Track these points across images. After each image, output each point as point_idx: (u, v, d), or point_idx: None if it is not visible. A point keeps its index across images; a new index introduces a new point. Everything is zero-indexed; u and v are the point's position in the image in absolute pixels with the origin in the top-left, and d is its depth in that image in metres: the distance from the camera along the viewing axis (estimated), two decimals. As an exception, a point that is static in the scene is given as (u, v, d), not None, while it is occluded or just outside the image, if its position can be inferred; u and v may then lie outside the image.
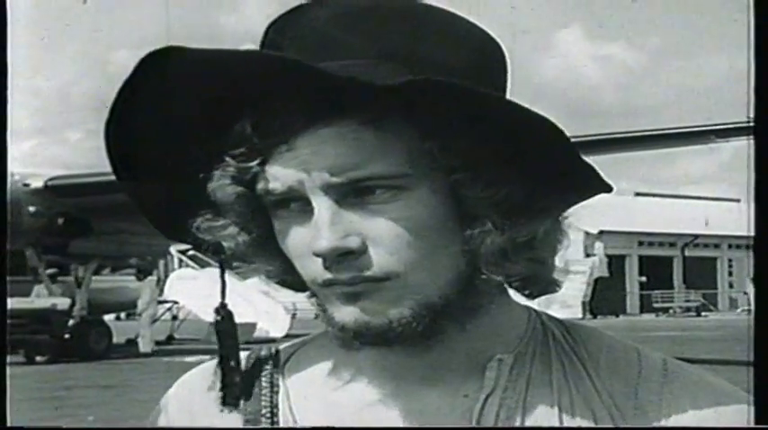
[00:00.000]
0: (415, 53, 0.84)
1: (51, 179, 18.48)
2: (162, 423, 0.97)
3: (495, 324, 0.90)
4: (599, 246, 37.50)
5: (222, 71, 0.81)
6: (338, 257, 0.82)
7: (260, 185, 0.85)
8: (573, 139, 0.83)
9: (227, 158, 0.85)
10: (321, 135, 0.81)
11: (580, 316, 33.16)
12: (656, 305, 40.18)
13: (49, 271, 20.01)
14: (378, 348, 0.87)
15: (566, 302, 33.87)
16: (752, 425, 0.89)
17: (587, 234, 37.20)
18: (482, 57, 0.88)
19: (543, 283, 0.90)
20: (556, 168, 0.83)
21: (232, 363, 0.94)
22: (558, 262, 0.90)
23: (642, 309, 40.55)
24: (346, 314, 0.84)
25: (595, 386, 0.90)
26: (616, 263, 39.58)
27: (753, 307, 0.99)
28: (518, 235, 0.84)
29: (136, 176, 0.89)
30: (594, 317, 34.54)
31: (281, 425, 0.92)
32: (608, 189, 0.86)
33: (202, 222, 0.89)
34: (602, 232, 38.09)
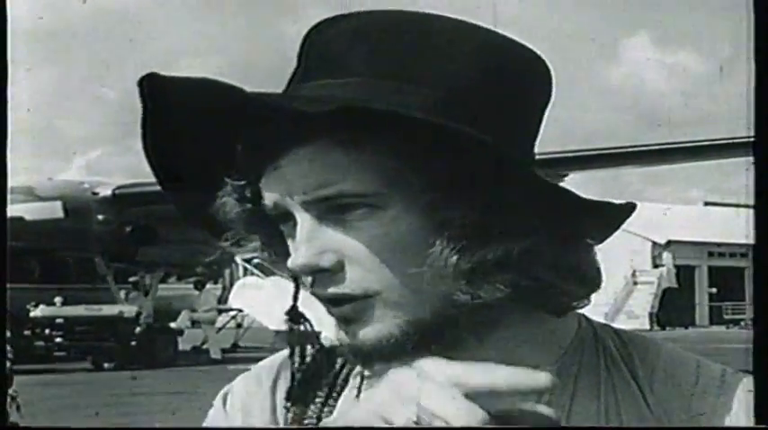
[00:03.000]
0: (412, 71, 0.84)
1: (119, 187, 18.77)
2: (214, 413, 0.99)
3: (524, 335, 0.89)
4: (667, 257, 37.07)
5: (190, 97, 0.84)
6: (313, 274, 0.85)
7: (262, 202, 0.88)
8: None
9: (225, 178, 0.89)
10: (299, 154, 0.84)
11: (647, 327, 32.77)
12: (726, 317, 39.55)
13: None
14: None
15: (633, 313, 33.52)
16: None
17: (655, 244, 36.81)
18: (494, 72, 0.86)
19: (555, 301, 0.87)
20: (513, 189, 0.82)
21: (299, 362, 0.95)
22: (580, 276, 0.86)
23: (712, 321, 39.96)
24: (341, 334, 0.87)
25: (647, 401, 0.89)
26: (685, 273, 39.10)
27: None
28: (487, 255, 0.82)
29: (176, 187, 0.92)
30: (663, 328, 34.08)
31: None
32: (601, 208, 0.84)
33: (232, 236, 0.92)
34: (670, 242, 37.64)
